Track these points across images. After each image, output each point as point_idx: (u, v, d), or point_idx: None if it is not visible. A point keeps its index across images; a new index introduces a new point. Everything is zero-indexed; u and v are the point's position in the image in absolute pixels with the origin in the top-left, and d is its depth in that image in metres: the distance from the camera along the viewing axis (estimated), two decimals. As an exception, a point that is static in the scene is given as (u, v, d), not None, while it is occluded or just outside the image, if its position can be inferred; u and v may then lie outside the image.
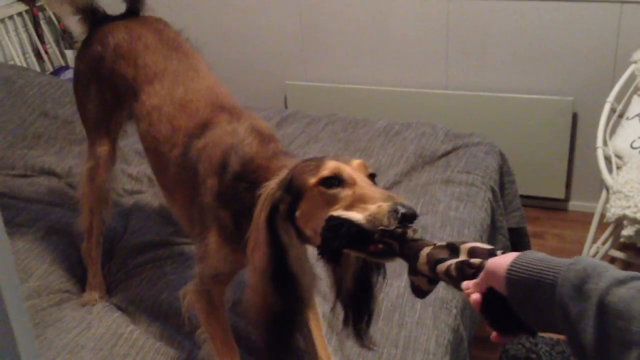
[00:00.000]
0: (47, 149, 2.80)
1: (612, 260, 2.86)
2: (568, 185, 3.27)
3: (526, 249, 2.73)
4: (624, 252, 2.68)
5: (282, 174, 1.31)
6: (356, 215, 1.14)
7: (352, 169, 1.23)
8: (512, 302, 0.93)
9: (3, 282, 0.51)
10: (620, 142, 2.59)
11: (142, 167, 2.63)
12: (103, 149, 1.96)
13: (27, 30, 3.58)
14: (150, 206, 2.41)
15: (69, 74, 3.57)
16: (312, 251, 1.32)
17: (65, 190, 2.51)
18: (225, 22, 3.64)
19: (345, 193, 1.19)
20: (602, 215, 2.51)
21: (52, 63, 3.68)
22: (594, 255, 2.63)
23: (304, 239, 1.28)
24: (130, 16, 1.97)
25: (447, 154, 2.59)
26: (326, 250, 1.20)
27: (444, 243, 1.09)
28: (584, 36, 3.00)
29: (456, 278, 1.04)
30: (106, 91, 1.89)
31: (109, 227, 2.17)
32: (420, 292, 1.14)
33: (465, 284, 1.02)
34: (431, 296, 1.83)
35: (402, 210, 1.10)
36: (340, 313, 1.39)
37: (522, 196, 2.80)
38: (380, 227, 1.11)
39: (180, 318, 1.80)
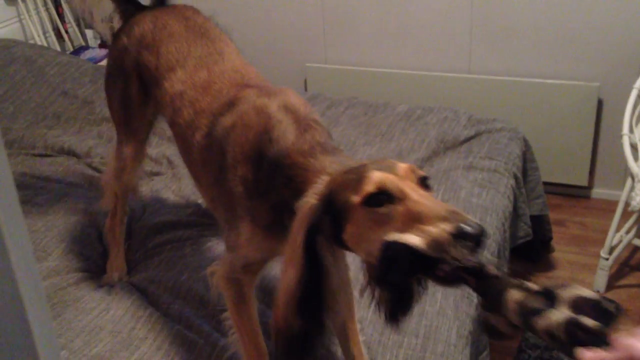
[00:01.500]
0: (67, 129, 2.80)
1: (635, 249, 2.83)
2: (591, 173, 3.22)
3: (547, 237, 2.72)
4: (647, 241, 2.64)
5: (320, 187, 1.18)
6: (415, 240, 1.00)
7: (399, 178, 1.08)
8: None
9: (18, 264, 0.50)
10: (647, 129, 2.54)
11: (161, 149, 2.63)
12: (129, 151, 1.91)
13: (47, 10, 3.58)
14: (169, 187, 2.40)
15: (89, 54, 3.57)
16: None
17: (85, 171, 2.51)
18: (245, 3, 3.60)
19: (397, 210, 1.04)
20: (627, 204, 2.47)
21: (72, 43, 3.68)
22: (617, 244, 2.60)
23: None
24: (159, 5, 1.92)
25: (469, 139, 2.56)
26: (386, 283, 1.06)
27: (537, 288, 0.95)
28: (611, 20, 2.94)
29: (564, 341, 0.89)
30: (131, 86, 1.82)
31: (128, 207, 2.17)
32: (495, 333, 1.00)
33: (589, 357, 0.86)
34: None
35: (468, 230, 0.95)
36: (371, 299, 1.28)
37: (544, 183, 2.76)
38: (455, 264, 0.96)
39: (199, 301, 1.80)
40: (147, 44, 1.78)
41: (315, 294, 1.15)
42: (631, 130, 2.52)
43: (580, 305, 0.89)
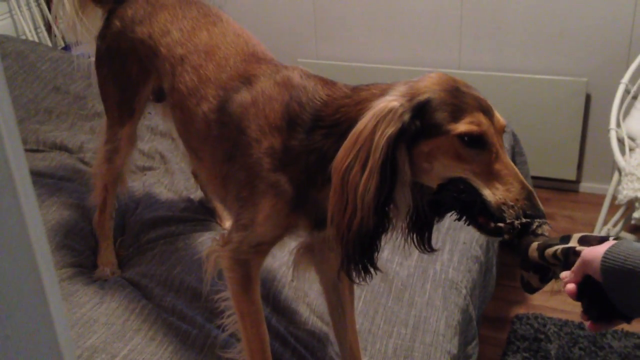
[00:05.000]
0: (59, 125, 2.81)
1: (623, 242, 2.87)
2: (579, 167, 3.26)
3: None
4: (634, 234, 2.67)
5: (404, 89, 1.17)
6: (487, 193, 1.10)
7: (496, 132, 1.13)
8: (607, 290, 0.96)
9: (37, 251, 0.54)
10: (634, 123, 2.58)
11: (153, 144, 2.64)
12: (124, 132, 1.88)
13: (39, 5, 3.58)
14: (162, 182, 2.42)
15: (80, 50, 3.57)
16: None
17: (77, 166, 2.52)
18: (237, -2, 3.62)
19: (482, 158, 1.11)
20: (614, 197, 2.50)
21: (63, 38, 3.68)
22: (605, 237, 2.63)
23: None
24: None
25: (458, 134, 2.58)
26: (439, 209, 1.16)
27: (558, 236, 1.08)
28: (599, 16, 2.97)
29: (561, 263, 1.04)
30: (131, 66, 1.79)
31: (121, 202, 2.18)
32: (530, 288, 1.13)
33: (564, 273, 1.04)
34: (441, 276, 1.85)
35: (535, 216, 1.08)
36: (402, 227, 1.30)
37: (533, 177, 2.80)
38: (507, 229, 1.09)
39: (192, 293, 1.82)
40: (140, 19, 1.75)
41: (389, 195, 1.15)
42: (618, 125, 2.55)
43: (586, 240, 1.03)
